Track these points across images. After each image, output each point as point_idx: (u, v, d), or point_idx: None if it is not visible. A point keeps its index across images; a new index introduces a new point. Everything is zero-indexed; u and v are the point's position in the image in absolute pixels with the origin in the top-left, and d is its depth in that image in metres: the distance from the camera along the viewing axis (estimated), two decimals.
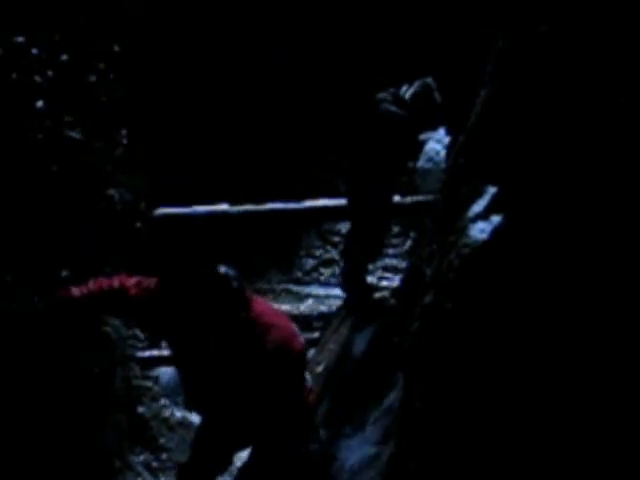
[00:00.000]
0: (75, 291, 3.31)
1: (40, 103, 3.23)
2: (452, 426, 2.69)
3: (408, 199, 5.78)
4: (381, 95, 4.77)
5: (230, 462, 3.64)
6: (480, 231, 2.60)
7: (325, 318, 5.35)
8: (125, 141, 4.03)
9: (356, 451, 4.13)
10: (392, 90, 4.78)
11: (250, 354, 3.20)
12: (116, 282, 3.37)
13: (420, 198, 5.73)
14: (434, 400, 2.72)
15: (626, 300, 2.35)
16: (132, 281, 3.38)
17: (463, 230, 2.69)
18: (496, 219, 2.60)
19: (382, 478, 3.62)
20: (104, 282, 3.39)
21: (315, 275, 6.79)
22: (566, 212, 2.47)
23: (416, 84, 4.80)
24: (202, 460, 3.60)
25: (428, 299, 2.89)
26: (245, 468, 3.59)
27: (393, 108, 4.70)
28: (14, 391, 3.24)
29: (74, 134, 3.49)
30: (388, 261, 6.40)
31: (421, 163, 6.53)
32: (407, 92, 4.75)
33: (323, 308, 5.46)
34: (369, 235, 4.85)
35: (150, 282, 3.37)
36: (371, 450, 4.00)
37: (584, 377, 2.35)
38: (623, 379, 2.30)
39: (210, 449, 3.57)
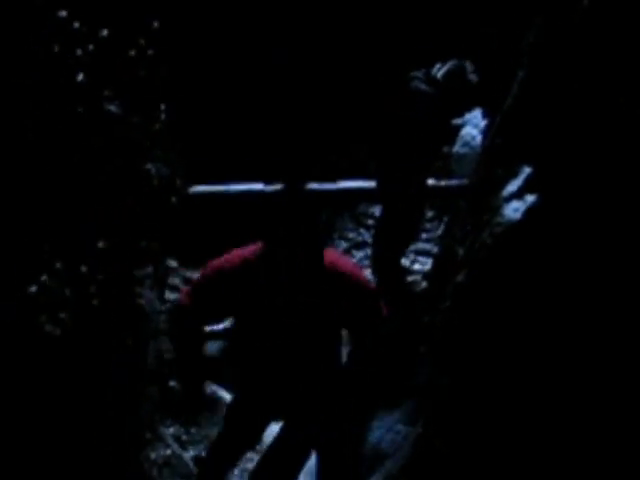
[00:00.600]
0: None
1: (81, 76, 3.27)
2: (480, 405, 2.70)
3: (442, 183, 5.76)
4: (412, 73, 4.76)
5: (259, 437, 3.69)
6: (514, 210, 2.60)
7: None
8: (163, 117, 4.06)
9: (385, 431, 4.17)
10: (424, 70, 4.77)
11: (331, 301, 3.26)
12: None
13: (455, 182, 5.70)
14: (462, 378, 2.73)
15: None
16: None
17: (497, 209, 2.69)
18: (530, 198, 2.60)
19: (409, 458, 3.64)
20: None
21: None
22: (601, 192, 2.46)
23: (449, 63, 4.77)
24: (235, 430, 3.68)
25: (460, 278, 2.90)
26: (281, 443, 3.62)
27: (423, 86, 4.68)
28: (49, 358, 3.30)
29: (113, 108, 3.53)
30: (421, 245, 6.38)
31: (457, 148, 6.50)
32: (440, 71, 4.73)
33: None
34: (402, 219, 4.85)
35: (230, 260, 3.35)
36: (399, 430, 4.02)
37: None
38: None
39: (246, 418, 3.64)
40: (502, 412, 2.59)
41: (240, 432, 3.70)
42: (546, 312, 2.50)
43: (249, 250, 3.38)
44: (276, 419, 3.69)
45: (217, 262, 3.39)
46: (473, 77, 4.98)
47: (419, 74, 4.71)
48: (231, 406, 3.80)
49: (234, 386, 3.87)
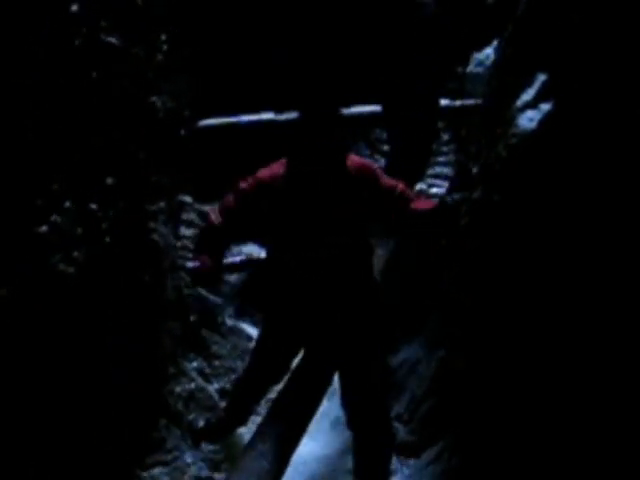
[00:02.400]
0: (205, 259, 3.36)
1: (75, 7, 3.17)
2: (498, 324, 2.66)
3: (457, 103, 5.61)
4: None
5: (287, 370, 3.68)
6: (529, 120, 2.50)
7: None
8: (165, 47, 3.95)
9: (410, 353, 4.15)
10: None
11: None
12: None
13: (470, 102, 5.53)
14: (482, 296, 2.68)
15: None
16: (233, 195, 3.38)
17: (512, 120, 2.59)
18: (545, 107, 2.49)
19: (431, 378, 3.62)
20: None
21: None
22: (616, 96, 2.35)
23: None
24: (263, 361, 3.69)
25: (476, 195, 2.82)
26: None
27: None
28: (65, 298, 3.28)
29: (112, 40, 3.43)
30: (438, 169, 6.25)
31: (471, 67, 6.32)
32: None
33: None
34: (413, 143, 4.75)
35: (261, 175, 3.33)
36: (423, 353, 4.01)
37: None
38: None
39: (275, 347, 3.63)
40: (521, 329, 2.54)
41: (268, 363, 3.70)
42: (563, 225, 2.43)
43: (274, 168, 3.35)
44: (306, 346, 3.68)
45: (246, 181, 3.36)
46: None
47: None
48: (260, 336, 3.80)
49: (264, 314, 3.84)
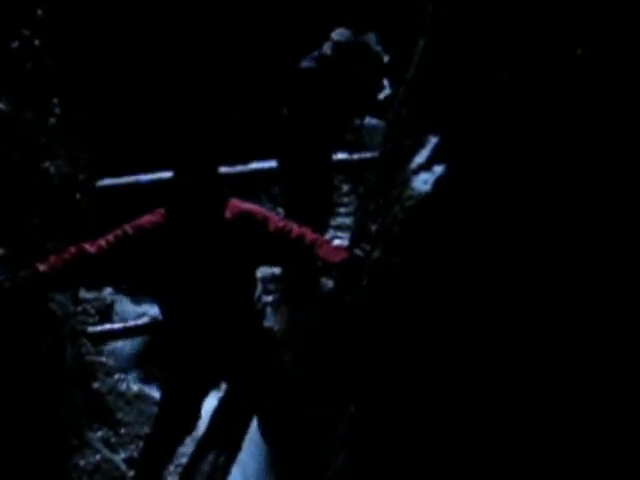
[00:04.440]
0: (42, 267, 3.21)
1: None
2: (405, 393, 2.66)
3: (355, 156, 5.71)
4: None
5: (198, 416, 3.70)
6: (423, 182, 2.55)
7: (279, 280, 5.30)
8: (58, 111, 3.87)
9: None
10: (318, 50, 4.68)
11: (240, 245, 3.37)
12: (83, 245, 3.31)
13: (368, 155, 5.65)
14: (386, 356, 2.69)
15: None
16: (100, 241, 3.32)
17: (406, 182, 2.64)
18: (439, 169, 2.55)
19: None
20: (71, 248, 3.31)
21: None
22: (507, 159, 2.43)
23: (337, 34, 4.67)
24: (169, 416, 3.67)
25: (375, 254, 2.85)
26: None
27: (308, 63, 4.60)
28: None
29: (1, 105, 3.34)
30: (340, 220, 6.33)
31: (368, 119, 6.46)
32: (328, 47, 4.64)
33: (276, 271, 5.40)
34: (310, 196, 4.79)
35: (140, 223, 3.33)
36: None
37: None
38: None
39: (180, 398, 3.65)
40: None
41: (176, 413, 3.67)
42: (461, 285, 2.47)
43: (155, 215, 3.38)
44: (212, 387, 3.85)
45: (128, 225, 3.34)
46: (379, 49, 4.91)
47: (312, 55, 4.62)
48: (165, 387, 3.81)
49: (167, 366, 3.83)
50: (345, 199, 6.44)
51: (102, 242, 3.30)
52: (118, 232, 3.34)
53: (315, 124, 4.61)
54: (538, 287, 2.24)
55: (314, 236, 3.41)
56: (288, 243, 3.36)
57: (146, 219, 3.37)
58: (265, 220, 3.39)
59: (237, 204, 3.42)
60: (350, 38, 4.69)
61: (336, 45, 4.63)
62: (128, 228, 3.33)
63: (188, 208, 3.28)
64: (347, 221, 6.26)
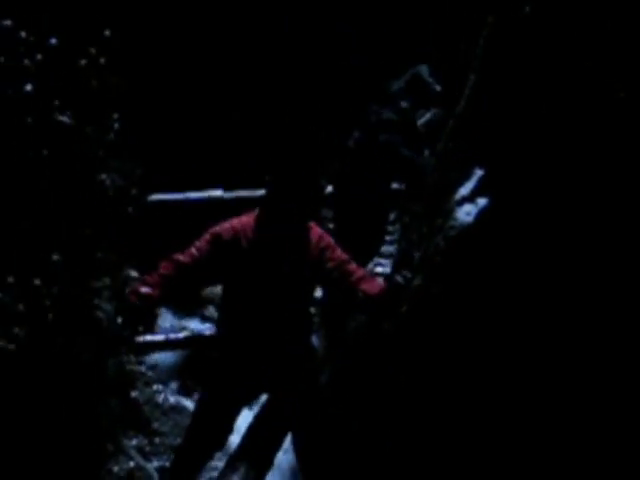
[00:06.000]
0: (144, 289, 3.58)
1: (29, 87, 3.22)
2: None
3: (403, 186, 5.76)
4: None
5: (230, 431, 3.76)
6: (466, 214, 2.61)
7: (319, 303, 5.35)
8: (117, 126, 4.01)
9: None
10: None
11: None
12: (176, 257, 3.61)
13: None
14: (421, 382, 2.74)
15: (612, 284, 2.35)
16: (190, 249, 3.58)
17: (450, 213, 2.70)
18: (482, 202, 2.61)
19: None
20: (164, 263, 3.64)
21: None
22: (551, 196, 2.48)
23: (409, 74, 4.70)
24: (201, 428, 3.76)
25: (416, 282, 2.90)
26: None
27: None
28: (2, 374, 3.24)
29: (64, 119, 3.47)
30: (384, 248, 6.37)
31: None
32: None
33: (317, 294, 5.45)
34: (367, 222, 4.86)
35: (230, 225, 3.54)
36: None
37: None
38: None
39: (215, 412, 3.73)
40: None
41: (209, 426, 3.74)
42: (502, 314, 2.52)
43: (244, 219, 3.56)
44: (248, 403, 3.93)
45: (216, 228, 3.57)
46: (431, 80, 4.98)
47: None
48: (201, 400, 3.89)
49: (206, 379, 3.92)
50: (390, 227, 6.48)
51: (193, 250, 3.54)
52: (207, 237, 3.55)
53: (380, 160, 4.69)
54: (577, 318, 2.28)
55: (362, 272, 3.56)
56: (342, 273, 3.49)
57: (236, 221, 3.56)
58: (333, 247, 3.55)
59: (314, 225, 3.60)
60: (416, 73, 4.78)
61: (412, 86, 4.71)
62: (218, 230, 3.54)
63: (283, 217, 3.44)
64: (390, 249, 6.30)
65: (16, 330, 3.25)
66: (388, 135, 4.64)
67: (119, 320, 4.39)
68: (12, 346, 3.21)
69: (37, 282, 3.38)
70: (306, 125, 6.52)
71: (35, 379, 3.36)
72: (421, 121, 4.71)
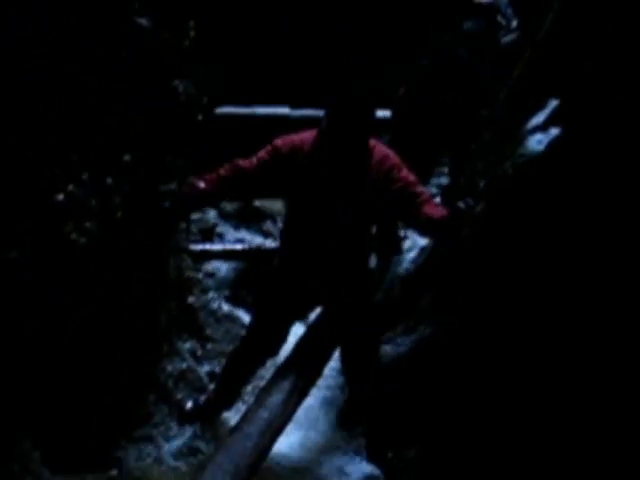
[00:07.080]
0: (202, 184, 3.65)
1: None
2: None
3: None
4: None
5: (284, 340, 3.89)
6: (537, 142, 2.61)
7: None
8: (192, 34, 4.04)
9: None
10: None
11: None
12: (238, 162, 3.68)
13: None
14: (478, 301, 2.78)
15: None
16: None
17: (521, 141, 2.70)
18: (554, 131, 2.60)
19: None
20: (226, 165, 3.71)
21: None
22: (622, 130, 2.46)
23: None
24: (256, 335, 3.88)
25: (479, 208, 2.93)
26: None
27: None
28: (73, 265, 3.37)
29: (143, 21, 3.52)
30: (433, 180, 6.32)
31: None
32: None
33: None
34: (423, 150, 4.85)
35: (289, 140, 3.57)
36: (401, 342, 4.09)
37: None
38: None
39: (270, 321, 3.83)
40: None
41: (263, 333, 3.86)
42: (560, 246, 2.54)
43: (305, 134, 3.58)
44: (304, 312, 4.05)
45: (278, 141, 3.60)
46: (509, 11, 4.87)
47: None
48: (258, 307, 3.99)
49: (267, 283, 3.97)
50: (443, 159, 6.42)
51: (254, 158, 3.60)
52: (268, 147, 3.59)
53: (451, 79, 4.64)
54: None
55: (427, 195, 3.49)
56: (406, 194, 3.44)
57: (297, 137, 3.58)
58: (399, 167, 3.48)
59: (379, 145, 3.55)
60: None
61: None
62: (279, 143, 3.57)
63: (344, 133, 3.40)
64: (442, 180, 6.27)
65: (87, 224, 3.36)
66: (464, 49, 4.54)
67: (182, 225, 4.52)
68: (83, 239, 3.33)
69: (109, 180, 3.49)
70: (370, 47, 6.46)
71: (104, 273, 3.49)
72: (504, 39, 4.60)
